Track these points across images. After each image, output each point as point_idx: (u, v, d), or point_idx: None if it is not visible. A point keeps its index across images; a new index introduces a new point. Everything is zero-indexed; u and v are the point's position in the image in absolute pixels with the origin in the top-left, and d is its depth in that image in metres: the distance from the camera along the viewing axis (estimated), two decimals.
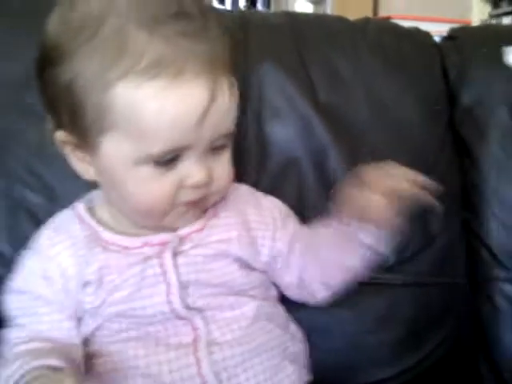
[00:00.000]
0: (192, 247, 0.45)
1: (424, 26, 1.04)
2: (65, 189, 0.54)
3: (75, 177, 0.53)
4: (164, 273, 0.43)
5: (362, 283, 0.59)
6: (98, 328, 0.43)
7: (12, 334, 0.43)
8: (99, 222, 0.46)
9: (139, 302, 0.42)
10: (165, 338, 0.42)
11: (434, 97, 0.69)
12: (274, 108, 0.62)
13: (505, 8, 1.58)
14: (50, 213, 0.50)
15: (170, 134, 0.38)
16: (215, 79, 0.39)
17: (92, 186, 0.49)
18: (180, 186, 0.41)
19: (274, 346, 0.45)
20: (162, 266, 0.43)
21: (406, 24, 1.01)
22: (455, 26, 0.92)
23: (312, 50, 0.66)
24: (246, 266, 0.47)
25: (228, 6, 5.04)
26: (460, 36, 0.77)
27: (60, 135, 0.42)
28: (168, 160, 0.40)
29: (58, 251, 0.44)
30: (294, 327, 0.50)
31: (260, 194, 0.53)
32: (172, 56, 0.37)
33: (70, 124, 0.41)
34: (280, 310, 0.50)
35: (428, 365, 0.60)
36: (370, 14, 2.67)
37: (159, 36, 0.37)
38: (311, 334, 0.52)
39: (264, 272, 0.49)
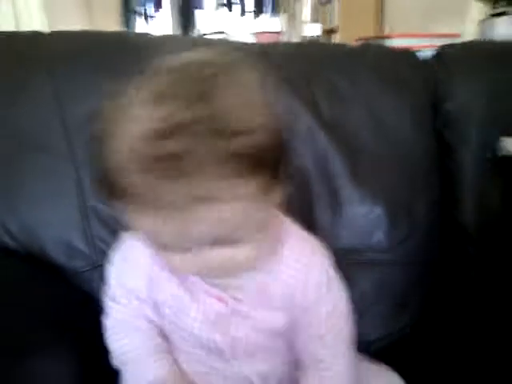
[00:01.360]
0: (243, 315, 0.51)
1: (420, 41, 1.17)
2: None
3: None
4: (217, 341, 0.52)
5: (360, 262, 0.74)
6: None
7: (117, 310, 0.57)
8: None
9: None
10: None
11: (421, 107, 0.81)
12: (285, 122, 0.76)
13: (502, 8, 1.69)
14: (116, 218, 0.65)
15: (155, 244, 0.42)
16: (193, 209, 0.36)
17: None
18: None
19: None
20: (216, 334, 0.52)
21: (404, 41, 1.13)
22: (447, 40, 1.04)
23: (317, 73, 0.79)
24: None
25: (237, 12, 5.19)
26: (447, 53, 0.87)
27: None
28: None
29: (145, 261, 0.53)
30: None
31: (310, 271, 0.52)
32: (148, 197, 0.36)
33: None
34: None
35: (412, 325, 0.73)
36: (374, 31, 2.77)
37: (140, 176, 0.36)
38: None
39: None
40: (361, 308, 0.71)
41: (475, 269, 0.77)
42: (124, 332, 0.57)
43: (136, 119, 0.36)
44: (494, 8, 1.75)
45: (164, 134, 0.35)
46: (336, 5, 2.99)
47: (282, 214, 0.52)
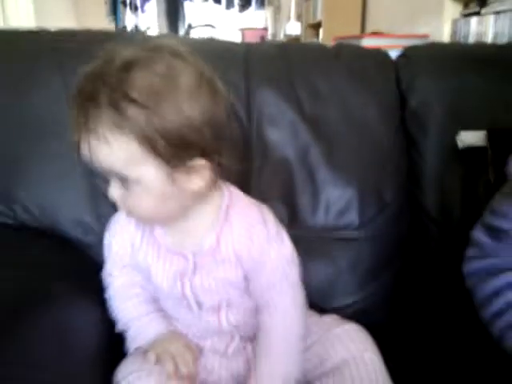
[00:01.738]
0: (202, 268, 0.62)
1: (390, 41, 1.27)
2: None
3: None
4: (184, 292, 0.63)
5: (335, 239, 0.85)
6: None
7: (112, 282, 0.69)
8: None
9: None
10: None
11: (389, 103, 0.92)
12: (270, 118, 0.85)
13: (473, 8, 1.80)
14: None
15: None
16: (95, 138, 0.51)
17: None
18: None
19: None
20: (182, 285, 0.63)
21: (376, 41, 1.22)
22: (416, 40, 1.14)
23: (298, 73, 0.88)
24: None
25: (223, 4, 5.25)
26: (411, 54, 0.97)
27: None
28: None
29: (128, 231, 0.66)
30: None
31: (260, 237, 0.62)
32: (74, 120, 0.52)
33: None
34: None
35: (382, 294, 0.84)
36: (358, 29, 2.90)
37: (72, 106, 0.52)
38: (305, 271, 0.74)
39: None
40: (335, 278, 0.83)
41: (437, 247, 0.88)
42: (121, 301, 0.68)
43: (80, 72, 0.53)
44: (467, 8, 1.87)
45: (85, 82, 0.51)
46: (320, 0, 3.09)
47: (228, 187, 0.65)
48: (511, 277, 0.66)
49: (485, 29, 1.73)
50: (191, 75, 0.53)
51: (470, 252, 0.72)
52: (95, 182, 0.79)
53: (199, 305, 0.64)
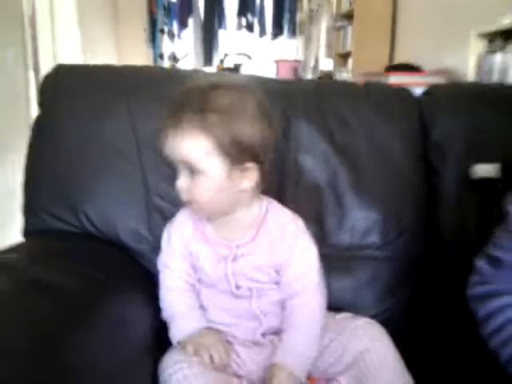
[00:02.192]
0: (242, 256, 0.76)
1: (414, 79, 1.38)
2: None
3: None
4: (226, 274, 0.77)
5: (358, 257, 0.94)
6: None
7: (165, 273, 0.82)
8: None
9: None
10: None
11: (411, 135, 1.01)
12: (304, 146, 0.96)
13: (498, 45, 1.89)
14: (173, 212, 0.87)
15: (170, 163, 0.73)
16: (181, 133, 0.68)
17: None
18: None
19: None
20: (225, 268, 0.77)
21: (400, 78, 1.33)
22: (438, 78, 1.24)
23: (330, 107, 0.99)
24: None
25: (256, 33, 5.47)
26: (434, 91, 1.07)
27: None
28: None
29: (185, 228, 0.81)
30: None
31: (297, 241, 0.78)
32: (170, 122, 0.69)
33: None
34: None
35: (400, 308, 0.93)
36: (386, 60, 3.02)
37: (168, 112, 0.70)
38: (330, 285, 0.84)
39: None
40: (356, 292, 0.92)
41: (452, 268, 0.95)
42: (170, 292, 0.81)
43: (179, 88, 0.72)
44: (491, 44, 1.96)
45: (179, 95, 0.71)
46: (349, 31, 3.23)
47: (268, 198, 0.80)
48: (503, 301, 0.74)
49: (508, 64, 1.81)
50: (254, 104, 0.71)
51: (473, 278, 0.80)
52: (150, 198, 0.91)
53: (237, 287, 0.77)
